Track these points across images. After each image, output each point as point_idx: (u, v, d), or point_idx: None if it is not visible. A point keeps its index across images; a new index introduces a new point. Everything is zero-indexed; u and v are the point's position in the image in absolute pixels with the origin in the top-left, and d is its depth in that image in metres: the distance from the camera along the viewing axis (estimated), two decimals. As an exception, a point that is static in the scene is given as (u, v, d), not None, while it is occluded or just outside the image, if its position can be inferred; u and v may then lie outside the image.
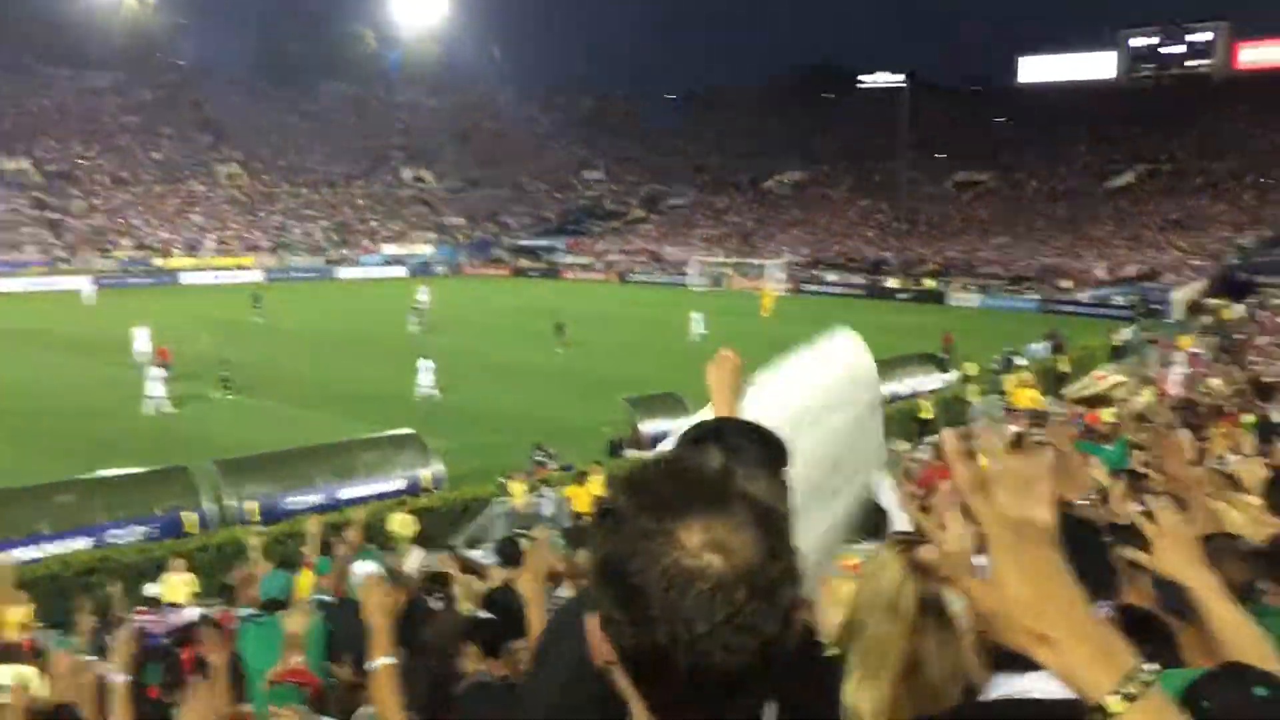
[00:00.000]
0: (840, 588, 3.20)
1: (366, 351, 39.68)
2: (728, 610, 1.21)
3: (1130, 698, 1.20)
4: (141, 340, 35.69)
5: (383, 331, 44.44)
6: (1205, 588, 2.52)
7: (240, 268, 73.35)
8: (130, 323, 37.48)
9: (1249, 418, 8.51)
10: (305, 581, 7.78)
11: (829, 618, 3.10)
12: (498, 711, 3.69)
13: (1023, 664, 1.85)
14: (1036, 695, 1.78)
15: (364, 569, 6.23)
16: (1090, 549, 3.33)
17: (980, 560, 1.31)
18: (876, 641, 2.35)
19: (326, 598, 6.19)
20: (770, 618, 1.23)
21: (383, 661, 3.56)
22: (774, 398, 2.94)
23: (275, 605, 5.94)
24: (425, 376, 32.06)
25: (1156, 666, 1.23)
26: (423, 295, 49.13)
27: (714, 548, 1.22)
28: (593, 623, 1.30)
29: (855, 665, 2.34)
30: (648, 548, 1.23)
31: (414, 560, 12.71)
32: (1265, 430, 6.74)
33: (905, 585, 2.38)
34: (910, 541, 2.51)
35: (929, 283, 64.79)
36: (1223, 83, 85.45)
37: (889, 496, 3.64)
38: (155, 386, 29.90)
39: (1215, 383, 22.76)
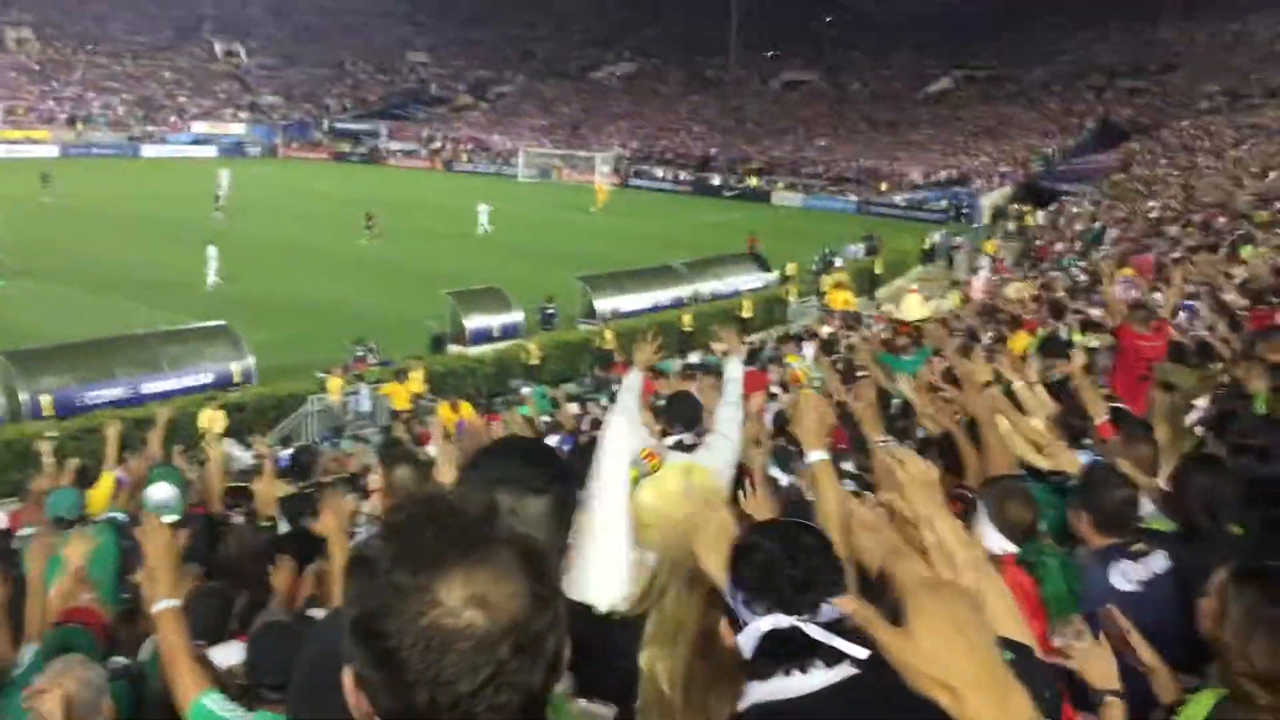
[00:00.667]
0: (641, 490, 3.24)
1: (170, 235, 37.72)
2: (491, 669, 1.15)
3: None
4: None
5: (187, 215, 42.21)
6: (947, 530, 2.66)
7: (33, 141, 68.31)
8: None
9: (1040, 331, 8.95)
10: (101, 493, 7.38)
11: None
12: (286, 653, 3.65)
13: (766, 671, 1.91)
14: (788, 695, 1.82)
15: (158, 494, 5.93)
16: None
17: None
18: (674, 611, 2.36)
19: (119, 515, 5.88)
20: (536, 670, 1.18)
21: (166, 604, 3.56)
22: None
23: (63, 524, 5.63)
24: (212, 265, 30.87)
25: None
26: (223, 180, 46.12)
27: (476, 603, 1.15)
28: (348, 678, 1.22)
29: (652, 633, 2.35)
30: (404, 606, 1.15)
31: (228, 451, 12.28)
32: (1049, 346, 7.08)
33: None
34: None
35: (754, 181, 65.63)
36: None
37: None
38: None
39: (1013, 288, 23.92)
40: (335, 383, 20.68)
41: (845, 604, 1.52)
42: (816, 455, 3.15)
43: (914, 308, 29.97)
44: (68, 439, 17.26)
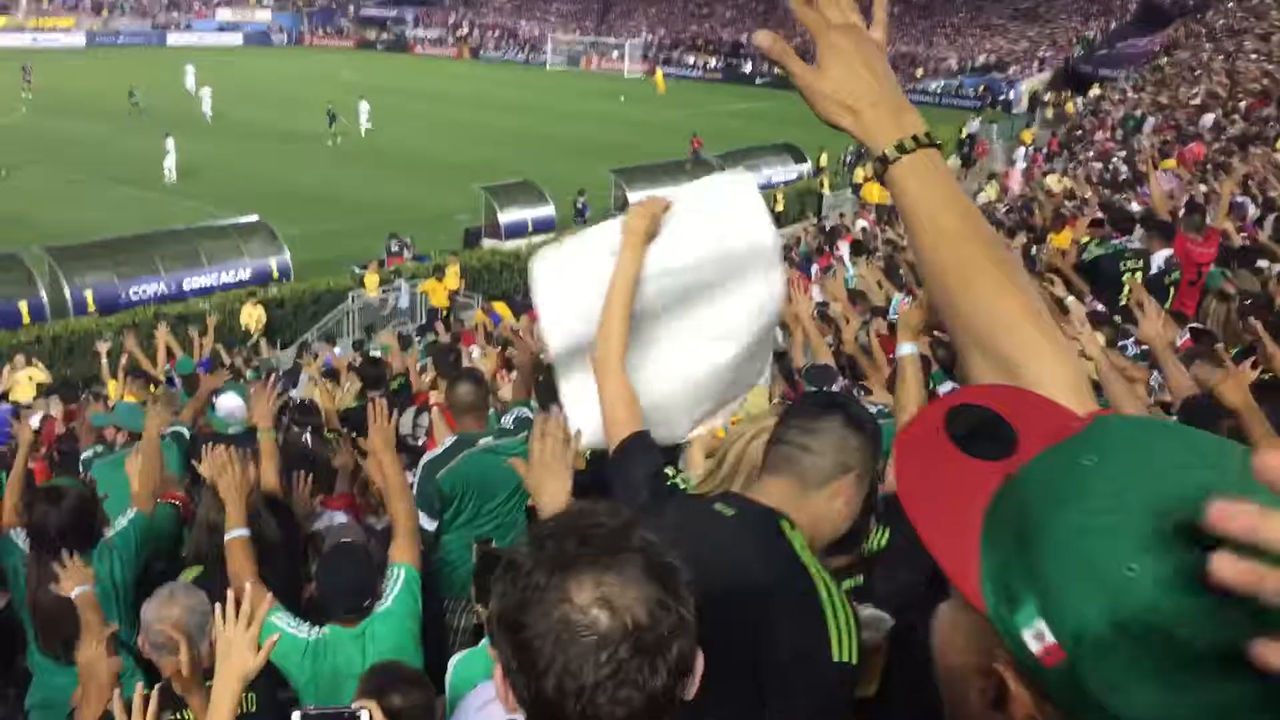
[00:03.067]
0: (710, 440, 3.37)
1: (197, 127, 37.65)
2: (612, 666, 1.26)
3: (904, 149, 1.48)
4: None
5: (216, 107, 41.98)
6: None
7: (59, 29, 67.77)
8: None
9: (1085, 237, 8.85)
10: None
11: (695, 456, 3.26)
12: (358, 575, 3.84)
13: None
14: None
15: (228, 403, 6.07)
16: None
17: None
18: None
19: (184, 429, 6.01)
20: (656, 673, 1.28)
21: (237, 533, 3.89)
22: (670, 254, 2.98)
23: (130, 439, 5.78)
24: (170, 158, 30.51)
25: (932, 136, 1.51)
26: (191, 77, 45.69)
27: (602, 604, 1.27)
28: (497, 669, 1.35)
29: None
30: (540, 601, 1.28)
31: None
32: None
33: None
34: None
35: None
36: None
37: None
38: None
39: (1051, 179, 23.58)
40: (372, 279, 20.81)
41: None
42: (908, 348, 3.41)
43: (874, 193, 29.73)
44: (114, 334, 17.64)
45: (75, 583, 3.73)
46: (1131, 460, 0.84)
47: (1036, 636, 0.82)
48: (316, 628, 3.78)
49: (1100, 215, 10.33)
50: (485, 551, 4.08)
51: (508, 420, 5.15)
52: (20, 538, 4.48)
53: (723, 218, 3.04)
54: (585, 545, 1.31)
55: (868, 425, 2.26)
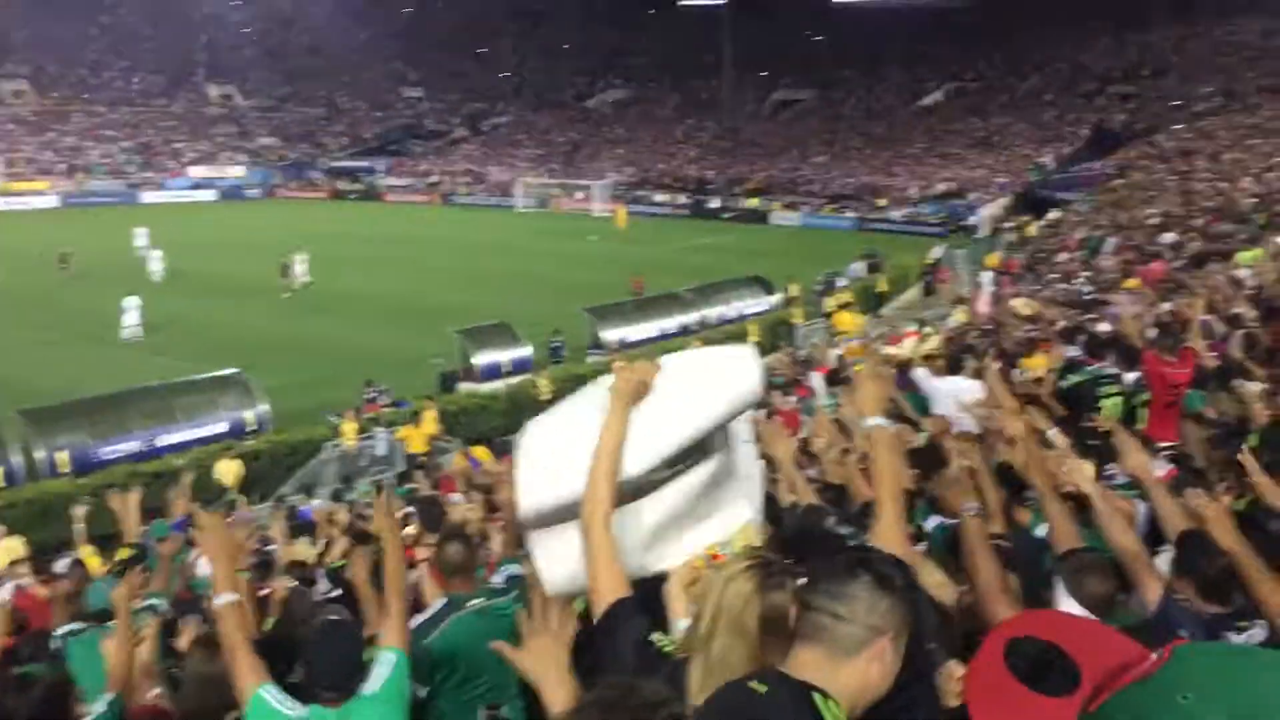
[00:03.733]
0: (690, 574, 3.32)
1: (167, 283, 37.93)
2: None
3: None
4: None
5: (183, 263, 42.35)
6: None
7: (34, 192, 68.65)
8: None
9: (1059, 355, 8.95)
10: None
11: (676, 602, 3.20)
12: (344, 653, 3.83)
13: None
14: None
15: (206, 569, 5.95)
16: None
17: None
18: (720, 658, 2.44)
19: (159, 603, 5.84)
20: None
21: (226, 599, 3.82)
22: (667, 421, 3.02)
23: (104, 616, 5.60)
24: (130, 315, 30.08)
25: None
26: (142, 239, 44.08)
27: None
28: None
29: (701, 675, 2.43)
30: None
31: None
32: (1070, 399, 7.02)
33: (751, 603, 2.47)
34: (763, 563, 2.61)
35: (753, 202, 65.68)
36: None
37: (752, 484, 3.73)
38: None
39: (1018, 302, 23.96)
40: (349, 427, 20.74)
41: None
42: (874, 421, 3.29)
43: (911, 348, 30.15)
44: (86, 493, 17.37)
45: None
46: (1230, 696, 0.82)
47: None
48: (302, 708, 3.68)
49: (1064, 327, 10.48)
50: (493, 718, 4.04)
51: (498, 579, 5.07)
52: None
53: (721, 395, 3.11)
54: None
55: (897, 583, 2.23)
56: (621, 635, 2.56)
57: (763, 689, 2.13)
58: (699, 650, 2.47)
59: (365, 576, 3.80)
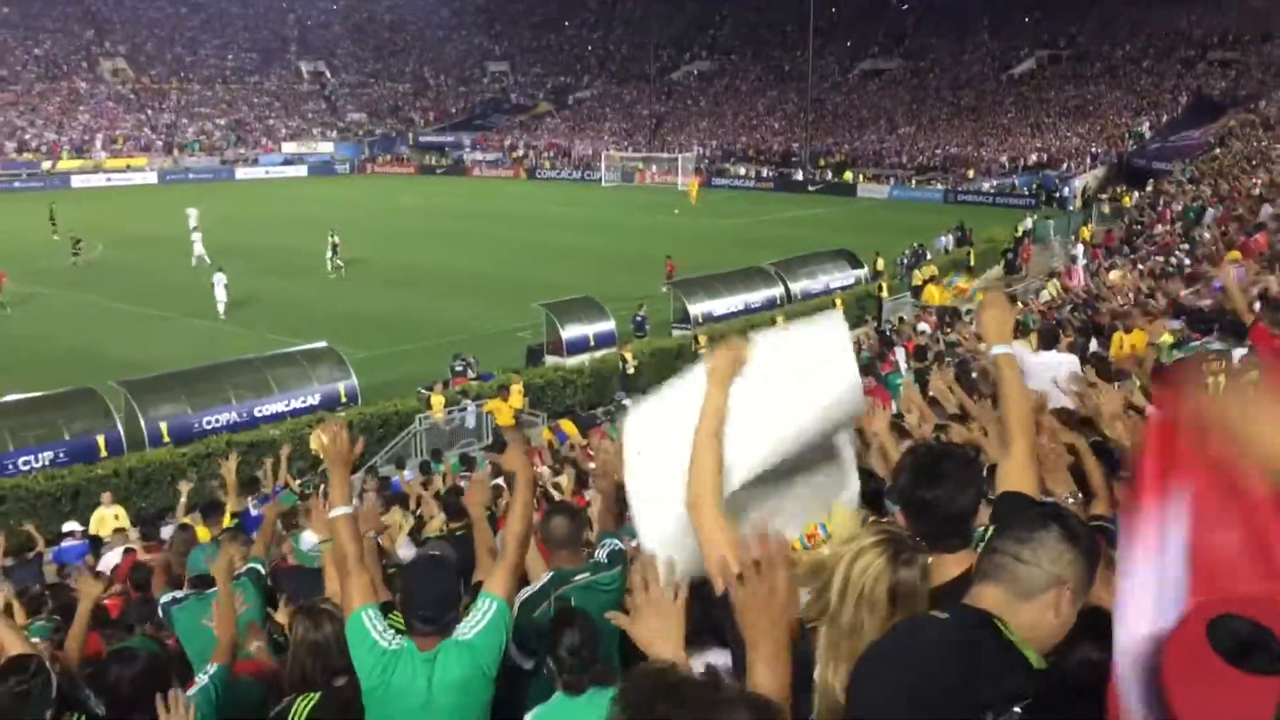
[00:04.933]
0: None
1: (258, 260, 38.75)
2: None
3: None
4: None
5: (271, 241, 43.23)
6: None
7: (132, 169, 70.62)
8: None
9: (1165, 337, 8.68)
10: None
11: None
12: (442, 586, 3.76)
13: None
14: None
15: (312, 537, 6.08)
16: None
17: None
18: (850, 629, 2.47)
19: (259, 567, 6.01)
20: None
21: (340, 511, 3.80)
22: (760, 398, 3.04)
23: (205, 582, 5.76)
24: (220, 290, 30.16)
25: None
26: (192, 220, 40.64)
27: None
28: None
29: (828, 648, 2.45)
30: None
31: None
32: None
33: (880, 579, 2.49)
34: (893, 539, 2.60)
35: (847, 175, 64.77)
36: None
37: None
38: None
39: (1115, 275, 23.37)
40: (438, 400, 21.01)
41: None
42: (1000, 348, 3.24)
43: (934, 295, 29.66)
44: (188, 464, 17.90)
45: None
46: None
47: None
48: (399, 639, 3.66)
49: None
50: (562, 608, 4.02)
51: (601, 554, 5.10)
52: (93, 700, 4.31)
53: (814, 369, 3.10)
54: (686, 706, 1.31)
55: (1084, 540, 2.24)
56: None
57: (944, 615, 2.22)
58: (827, 622, 2.51)
59: (483, 510, 3.70)
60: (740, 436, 2.98)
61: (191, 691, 4.19)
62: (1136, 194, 44.00)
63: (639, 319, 27.79)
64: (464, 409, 21.25)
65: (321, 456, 4.02)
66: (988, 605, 2.20)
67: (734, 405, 3.01)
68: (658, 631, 2.45)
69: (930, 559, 2.93)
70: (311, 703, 3.89)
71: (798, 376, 3.10)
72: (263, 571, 5.93)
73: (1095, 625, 2.42)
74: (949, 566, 2.85)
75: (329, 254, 36.52)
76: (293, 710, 3.88)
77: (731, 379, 3.02)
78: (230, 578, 4.91)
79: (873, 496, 4.64)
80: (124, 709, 3.98)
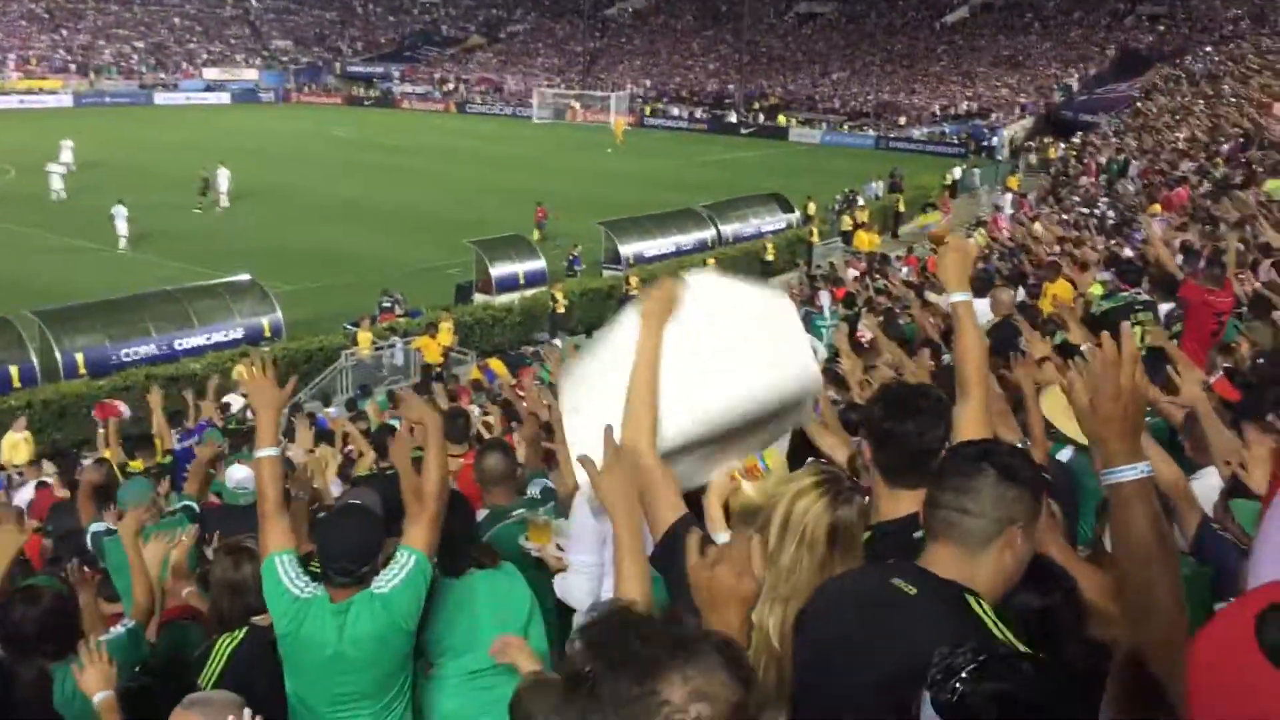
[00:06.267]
0: (728, 486, 3.33)
1: (183, 188, 37.70)
2: None
3: None
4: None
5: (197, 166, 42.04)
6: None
7: (45, 91, 68.02)
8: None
9: (1095, 288, 8.82)
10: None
11: (715, 511, 3.21)
12: (360, 538, 3.65)
13: None
14: None
15: (238, 474, 5.96)
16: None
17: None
18: (788, 570, 2.47)
19: (192, 503, 5.90)
20: None
21: (266, 452, 3.72)
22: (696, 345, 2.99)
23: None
24: (121, 224, 29.11)
25: None
26: (65, 154, 38.49)
27: (698, 697, 1.26)
28: None
29: (767, 589, 2.45)
30: (634, 713, 1.26)
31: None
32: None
33: (821, 519, 2.48)
34: (832, 479, 2.60)
35: (782, 119, 64.58)
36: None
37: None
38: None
39: (1038, 228, 23.70)
40: (365, 336, 20.75)
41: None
42: (959, 295, 3.26)
43: (864, 241, 30.03)
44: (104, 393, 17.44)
45: (99, 685, 3.44)
46: None
47: None
48: (313, 587, 3.57)
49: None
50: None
51: (534, 490, 5.09)
52: None
53: (764, 342, 3.10)
54: (653, 644, 1.29)
55: (1023, 472, 2.25)
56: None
57: (912, 590, 2.17)
58: (767, 562, 2.48)
59: (408, 463, 3.60)
60: (676, 390, 2.94)
61: (106, 637, 4.05)
62: (1062, 146, 44.54)
63: (571, 258, 27.64)
64: (393, 345, 21.02)
65: (247, 395, 3.89)
66: (948, 568, 2.20)
67: (669, 350, 2.97)
68: (618, 492, 2.42)
69: (881, 494, 2.94)
70: (235, 641, 3.81)
71: (745, 341, 3.06)
72: (197, 510, 5.82)
73: (1033, 572, 2.45)
74: (904, 502, 2.86)
75: (204, 188, 34.79)
76: (215, 649, 3.80)
77: (665, 320, 2.97)
78: (137, 542, 4.69)
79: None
80: (26, 648, 3.84)
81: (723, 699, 1.27)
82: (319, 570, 3.65)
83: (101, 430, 10.02)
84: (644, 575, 2.49)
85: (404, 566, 3.56)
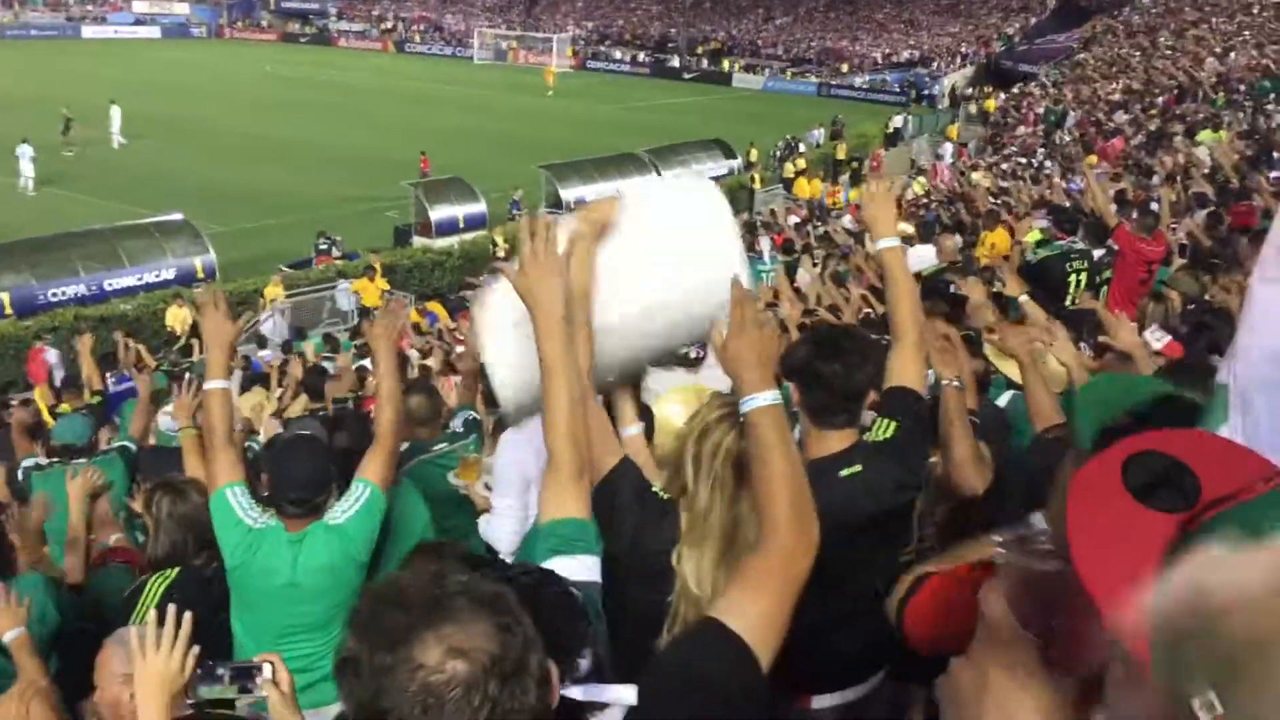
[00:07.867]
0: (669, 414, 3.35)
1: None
2: (487, 706, 1.27)
3: None
4: None
5: (128, 103, 40.93)
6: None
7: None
8: None
9: (1032, 235, 8.92)
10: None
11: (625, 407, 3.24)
12: (311, 467, 3.68)
13: None
14: None
15: (170, 421, 5.87)
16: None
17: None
18: (701, 514, 2.46)
19: (131, 445, 5.77)
20: (526, 692, 1.31)
21: (217, 384, 3.68)
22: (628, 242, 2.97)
23: (71, 452, 5.49)
24: (25, 164, 27.63)
25: None
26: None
27: (453, 654, 1.27)
28: None
29: (688, 525, 2.46)
30: (392, 682, 1.27)
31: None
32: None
33: (728, 455, 2.45)
34: (735, 410, 2.58)
35: (725, 64, 64.04)
36: None
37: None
38: None
39: (977, 176, 23.91)
40: (273, 290, 19.98)
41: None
42: (887, 242, 3.25)
43: (804, 188, 30.18)
44: (31, 336, 17.09)
45: (7, 625, 3.29)
46: None
47: (1206, 707, 0.78)
48: (266, 516, 3.57)
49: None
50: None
51: (456, 424, 5.08)
52: None
53: (691, 240, 3.04)
54: (409, 610, 1.30)
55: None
56: (624, 489, 2.58)
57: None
58: (685, 507, 2.48)
59: (390, 347, 3.62)
60: (611, 299, 2.89)
61: (18, 578, 3.95)
62: (1002, 95, 44.82)
63: (513, 201, 27.38)
64: (334, 287, 20.74)
65: (179, 333, 3.84)
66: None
67: (603, 267, 2.90)
68: (543, 280, 2.37)
69: (810, 434, 2.95)
70: (168, 580, 3.76)
71: (674, 237, 3.02)
72: (134, 450, 5.71)
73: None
74: (830, 442, 2.92)
75: (65, 127, 32.76)
76: (147, 588, 3.75)
77: (596, 240, 2.90)
78: (84, 505, 4.55)
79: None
80: None
81: (483, 650, 1.28)
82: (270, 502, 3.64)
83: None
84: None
85: (359, 498, 3.61)
